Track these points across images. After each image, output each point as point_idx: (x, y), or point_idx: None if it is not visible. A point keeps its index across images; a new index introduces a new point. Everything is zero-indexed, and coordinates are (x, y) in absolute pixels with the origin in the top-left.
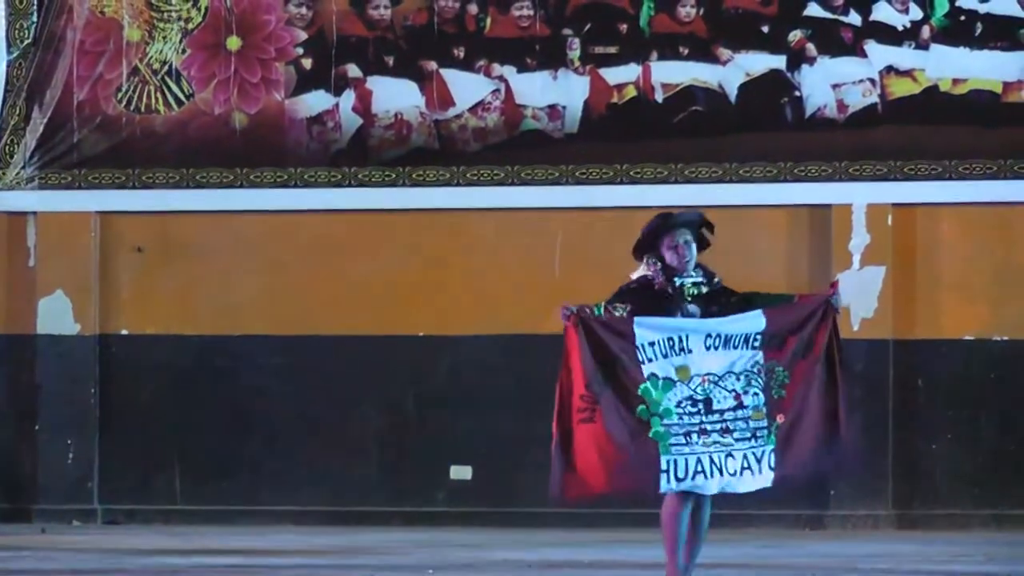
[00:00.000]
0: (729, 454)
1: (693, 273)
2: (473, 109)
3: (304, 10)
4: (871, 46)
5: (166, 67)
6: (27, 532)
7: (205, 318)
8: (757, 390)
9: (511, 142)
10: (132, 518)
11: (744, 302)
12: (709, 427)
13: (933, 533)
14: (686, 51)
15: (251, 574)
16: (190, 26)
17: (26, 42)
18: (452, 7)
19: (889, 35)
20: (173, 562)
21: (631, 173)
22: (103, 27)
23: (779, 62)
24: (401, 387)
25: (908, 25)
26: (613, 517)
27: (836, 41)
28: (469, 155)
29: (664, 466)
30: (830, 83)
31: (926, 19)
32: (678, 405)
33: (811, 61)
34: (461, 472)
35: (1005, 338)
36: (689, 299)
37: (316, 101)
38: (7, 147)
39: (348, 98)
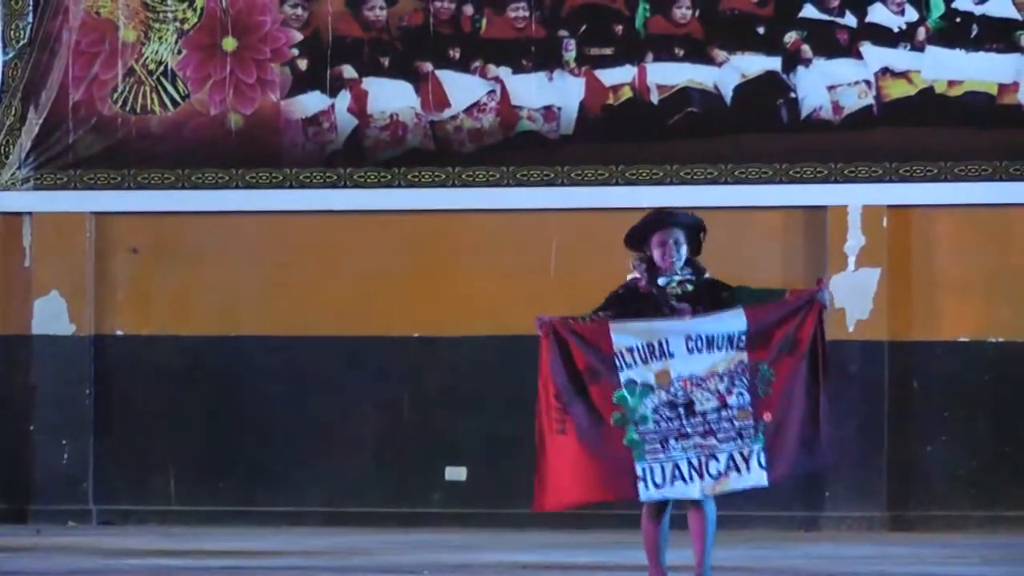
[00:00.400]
0: (712, 456)
1: (679, 272)
2: (468, 110)
3: (300, 11)
4: (867, 48)
5: (162, 68)
6: (22, 533)
7: (201, 319)
8: (742, 389)
9: (506, 143)
10: (127, 519)
11: (733, 298)
12: (690, 430)
13: (928, 535)
14: (681, 52)
15: (246, 575)
16: (186, 27)
17: (22, 43)
18: (448, 8)
19: (885, 37)
20: (168, 563)
21: (627, 174)
22: (99, 28)
23: (775, 63)
24: (396, 388)
25: (904, 27)
26: (610, 519)
27: (832, 43)
28: (464, 156)
29: (640, 473)
30: (826, 85)
31: (922, 21)
32: (655, 411)
33: (807, 63)
34: (456, 473)
35: (1000, 339)
36: (675, 298)
37: (312, 102)
38: (2, 148)
39: (344, 99)
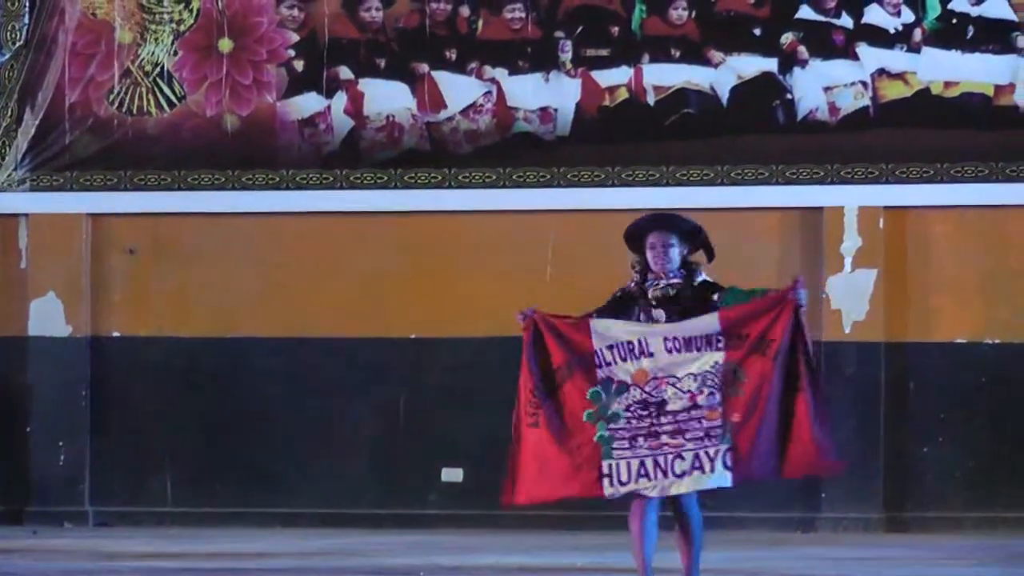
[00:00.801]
0: (679, 455)
1: (668, 276)
2: (465, 111)
3: (296, 12)
4: (863, 49)
5: (158, 69)
6: (18, 534)
7: (197, 320)
8: (713, 390)
9: (503, 144)
10: (123, 520)
11: (721, 300)
12: (659, 429)
13: (925, 536)
14: (678, 53)
15: None
16: (182, 28)
17: (18, 44)
18: (444, 9)
19: (881, 38)
20: (164, 565)
21: (623, 175)
22: (95, 29)
23: (771, 64)
24: (393, 389)
25: (900, 28)
26: (606, 520)
27: (828, 44)
28: (461, 157)
29: (606, 470)
30: (822, 86)
31: (918, 22)
32: (627, 409)
33: (803, 64)
34: (452, 474)
35: (997, 341)
36: (654, 303)
37: (308, 103)
38: None
39: (340, 100)
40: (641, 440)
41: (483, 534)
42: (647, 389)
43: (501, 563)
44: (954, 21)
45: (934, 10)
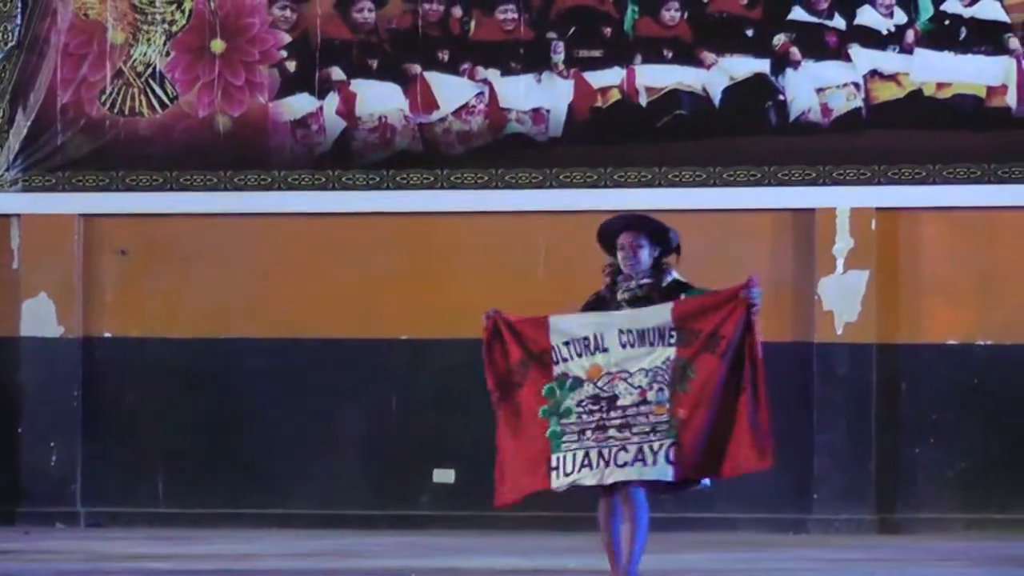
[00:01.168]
0: (623, 447)
1: (637, 276)
2: (457, 112)
3: (288, 13)
4: (855, 50)
5: (150, 70)
6: (10, 535)
7: (189, 321)
8: (662, 385)
9: (495, 145)
10: (115, 521)
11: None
12: (607, 423)
13: (916, 537)
14: (670, 55)
15: None
16: (174, 29)
17: (10, 44)
18: (436, 10)
19: (873, 39)
20: (156, 567)
21: (615, 177)
22: (87, 30)
23: (763, 66)
24: (385, 390)
25: (892, 29)
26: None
27: (820, 45)
28: (453, 158)
29: (554, 463)
30: (814, 87)
31: (910, 23)
32: (579, 404)
33: (795, 65)
34: (444, 475)
35: (989, 342)
36: (624, 305)
37: (300, 104)
38: None
39: (332, 101)
40: (589, 433)
41: (475, 535)
42: (600, 384)
43: (493, 564)
44: (947, 22)
45: (927, 11)
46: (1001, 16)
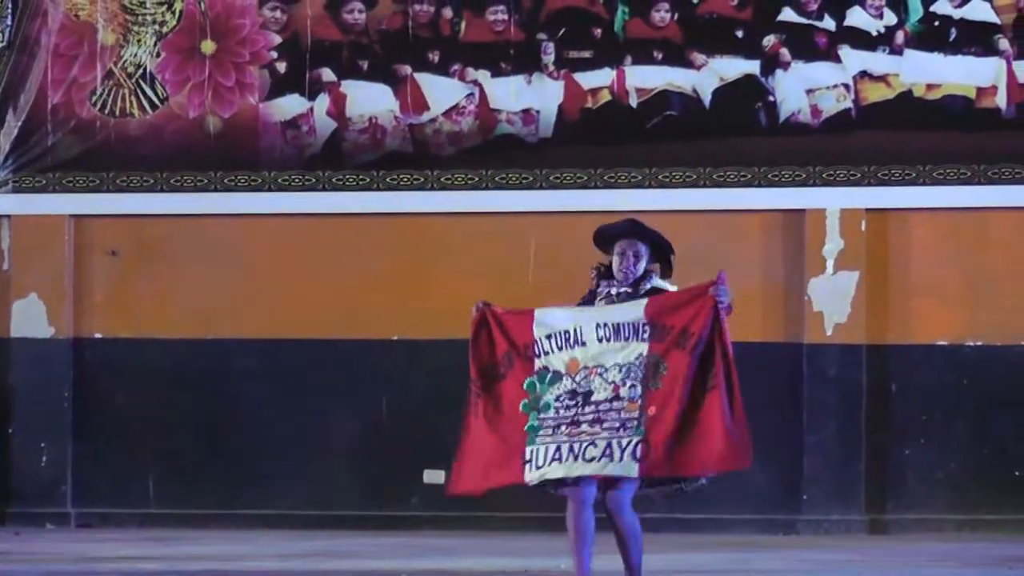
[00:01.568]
0: (592, 442)
1: (618, 284)
2: (447, 113)
3: (278, 14)
4: (845, 51)
5: (140, 71)
6: (0, 535)
7: (180, 322)
8: (635, 382)
9: (485, 146)
10: (106, 522)
11: None
12: (581, 418)
13: (906, 538)
14: (660, 56)
15: None
16: (164, 30)
17: (0, 45)
18: (427, 11)
19: (863, 40)
20: (147, 567)
21: (605, 178)
22: (77, 30)
23: (753, 67)
24: (374, 391)
25: (882, 30)
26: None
27: (810, 46)
28: (443, 159)
29: (528, 456)
30: (804, 88)
31: (900, 24)
32: (557, 399)
33: (785, 66)
34: (435, 476)
35: (979, 343)
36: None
37: (290, 105)
38: None
39: (322, 102)
40: (563, 428)
41: (466, 536)
42: (577, 379)
43: (483, 565)
44: (936, 23)
45: (916, 12)
46: (991, 17)
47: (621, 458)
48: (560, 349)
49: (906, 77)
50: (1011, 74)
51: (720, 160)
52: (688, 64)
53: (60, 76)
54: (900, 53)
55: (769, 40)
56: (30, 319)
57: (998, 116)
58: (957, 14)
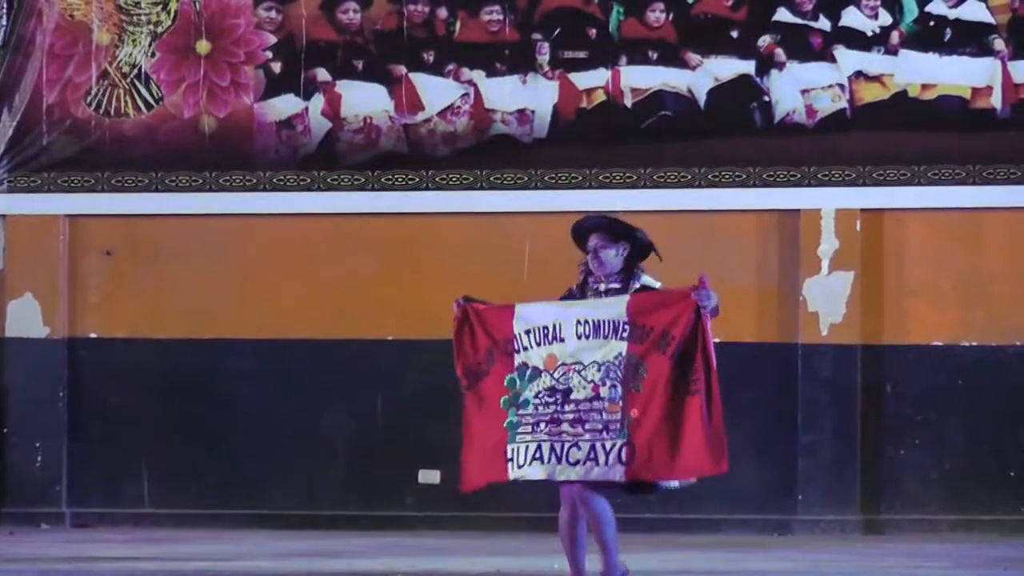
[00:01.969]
0: (575, 444)
1: (605, 280)
2: (442, 113)
3: (273, 14)
4: (840, 51)
5: (135, 71)
6: None
7: (174, 321)
8: (615, 382)
9: (480, 146)
10: (101, 521)
11: None
12: (561, 417)
13: (900, 538)
14: (655, 56)
15: None
16: (159, 30)
17: None
18: (422, 11)
19: (858, 40)
20: (142, 567)
21: (600, 178)
22: (73, 30)
23: (748, 67)
24: (369, 391)
25: (877, 30)
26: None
27: (805, 46)
28: (438, 159)
29: (509, 455)
30: (799, 88)
31: (895, 24)
32: (536, 396)
33: (780, 66)
34: (429, 476)
35: (973, 343)
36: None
37: (285, 105)
38: None
39: (317, 102)
40: (543, 425)
41: (460, 536)
42: (555, 376)
43: (478, 566)
44: (932, 24)
45: (912, 13)
46: (986, 17)
47: (607, 462)
48: (539, 345)
49: (901, 77)
50: (1006, 74)
51: (715, 160)
52: (683, 64)
53: (55, 76)
54: (895, 53)
55: (764, 40)
56: (25, 319)
57: (993, 117)
58: (952, 14)
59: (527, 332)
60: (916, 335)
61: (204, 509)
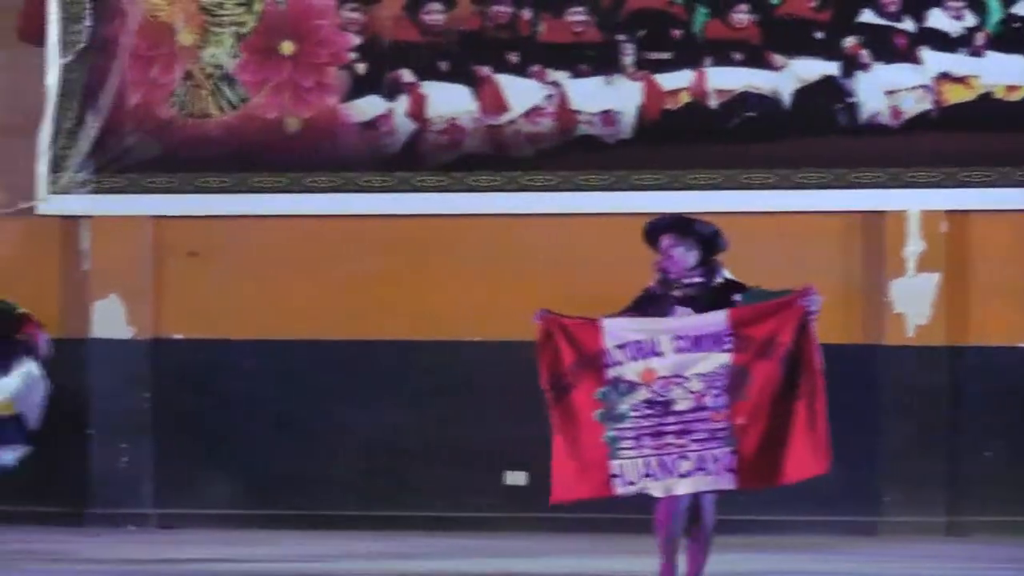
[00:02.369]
0: (683, 455)
1: (687, 276)
2: (527, 114)
3: (358, 15)
4: (925, 52)
5: (219, 71)
6: (79, 536)
7: (258, 322)
8: (719, 391)
9: (565, 147)
10: (187, 522)
11: (744, 300)
12: (664, 429)
13: (987, 540)
14: (740, 57)
15: None
16: (243, 31)
17: (79, 46)
18: (505, 12)
19: (943, 42)
20: (228, 568)
21: (685, 179)
22: (156, 31)
23: (833, 68)
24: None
25: (962, 32)
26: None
27: (890, 47)
28: (523, 160)
29: (616, 471)
30: (884, 89)
31: (980, 26)
32: (634, 408)
33: (865, 67)
34: (515, 478)
35: None
36: (679, 302)
37: (370, 106)
38: (62, 151)
39: (402, 103)
40: (646, 439)
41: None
42: (655, 388)
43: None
44: (1016, 25)
45: (996, 14)
46: None
47: (716, 470)
48: (633, 359)
49: (986, 78)
50: None
51: (799, 162)
52: (767, 66)
53: (139, 77)
54: (980, 55)
55: (848, 41)
56: (110, 320)
57: None
58: None
59: (620, 347)
60: (1001, 336)
61: (291, 510)
